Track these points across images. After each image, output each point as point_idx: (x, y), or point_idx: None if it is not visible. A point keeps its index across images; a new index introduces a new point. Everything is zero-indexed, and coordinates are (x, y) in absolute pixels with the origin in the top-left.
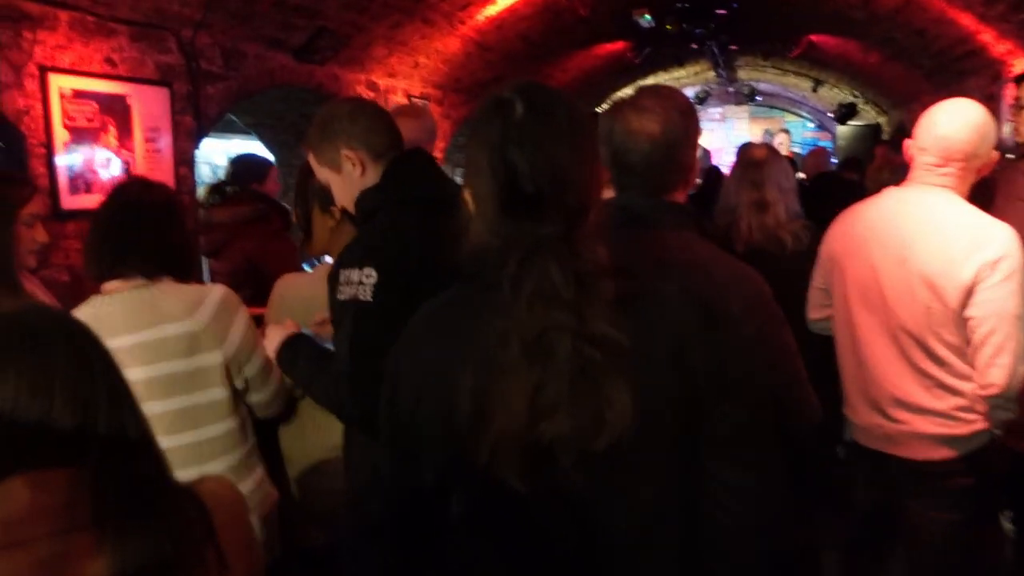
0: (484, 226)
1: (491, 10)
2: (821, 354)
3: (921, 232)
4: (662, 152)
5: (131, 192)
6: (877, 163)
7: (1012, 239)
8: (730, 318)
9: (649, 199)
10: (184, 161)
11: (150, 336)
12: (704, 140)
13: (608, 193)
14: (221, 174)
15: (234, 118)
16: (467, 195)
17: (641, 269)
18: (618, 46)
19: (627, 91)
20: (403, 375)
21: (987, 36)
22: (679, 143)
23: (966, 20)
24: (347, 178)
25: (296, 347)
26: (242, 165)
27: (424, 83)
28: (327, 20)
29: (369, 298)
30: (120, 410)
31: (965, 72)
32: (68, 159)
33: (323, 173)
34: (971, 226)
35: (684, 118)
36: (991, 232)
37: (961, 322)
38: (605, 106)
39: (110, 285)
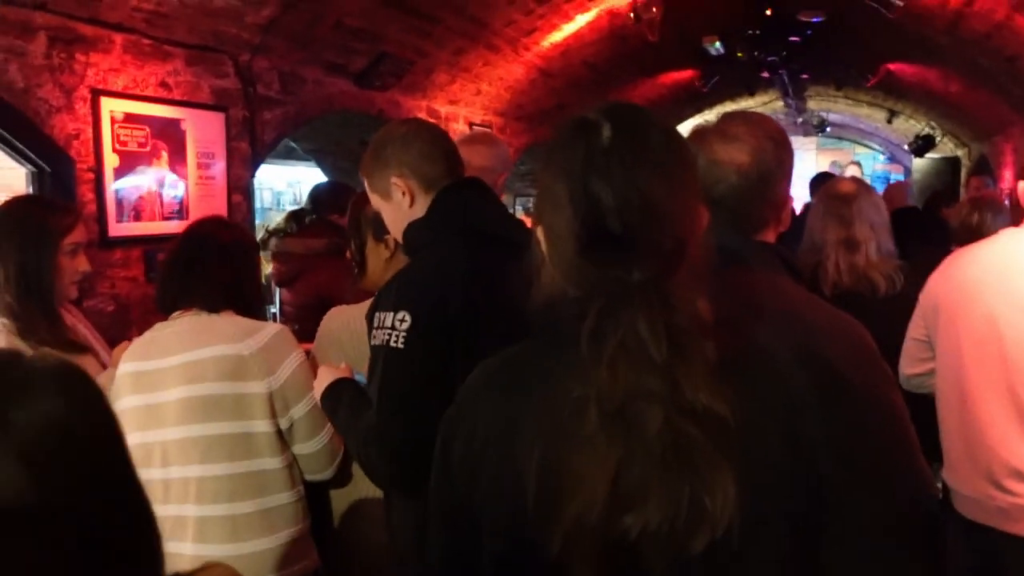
0: (560, 270)
1: (556, 36)
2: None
3: None
4: (752, 185)
5: (205, 229)
6: (970, 195)
7: None
8: (844, 380)
9: (737, 237)
10: (238, 188)
11: (198, 355)
12: None
13: None
14: (284, 201)
15: (294, 145)
16: (540, 233)
17: (740, 321)
18: (686, 74)
19: (697, 120)
20: (457, 446)
21: None
22: (771, 175)
23: None
24: (396, 208)
25: (340, 393)
26: (323, 193)
27: (486, 110)
28: (388, 45)
29: (401, 345)
30: (106, 490)
31: None
32: (117, 185)
33: (375, 200)
34: None
35: (777, 148)
36: None
37: None
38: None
39: (175, 315)
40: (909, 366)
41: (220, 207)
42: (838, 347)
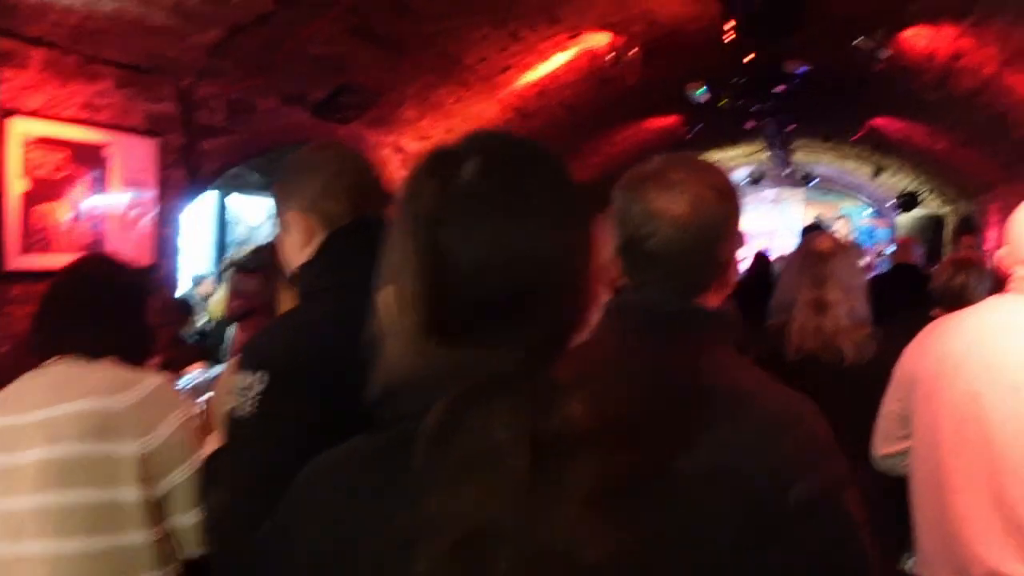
0: (401, 347)
1: (532, 75)
2: (886, 496)
3: None
4: (692, 239)
5: (87, 267)
6: (953, 257)
7: None
8: (791, 493)
9: (672, 300)
10: (170, 221)
11: (61, 410)
12: (756, 223)
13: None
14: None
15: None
16: (382, 298)
17: (657, 417)
18: (670, 120)
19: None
20: (273, 560)
21: None
22: (714, 230)
23: None
24: (293, 246)
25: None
26: None
27: None
28: (352, 76)
29: (253, 411)
30: None
31: None
32: (23, 213)
33: (279, 235)
34: None
35: (721, 199)
36: None
37: None
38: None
39: (48, 362)
40: (882, 445)
41: (147, 239)
42: (788, 442)
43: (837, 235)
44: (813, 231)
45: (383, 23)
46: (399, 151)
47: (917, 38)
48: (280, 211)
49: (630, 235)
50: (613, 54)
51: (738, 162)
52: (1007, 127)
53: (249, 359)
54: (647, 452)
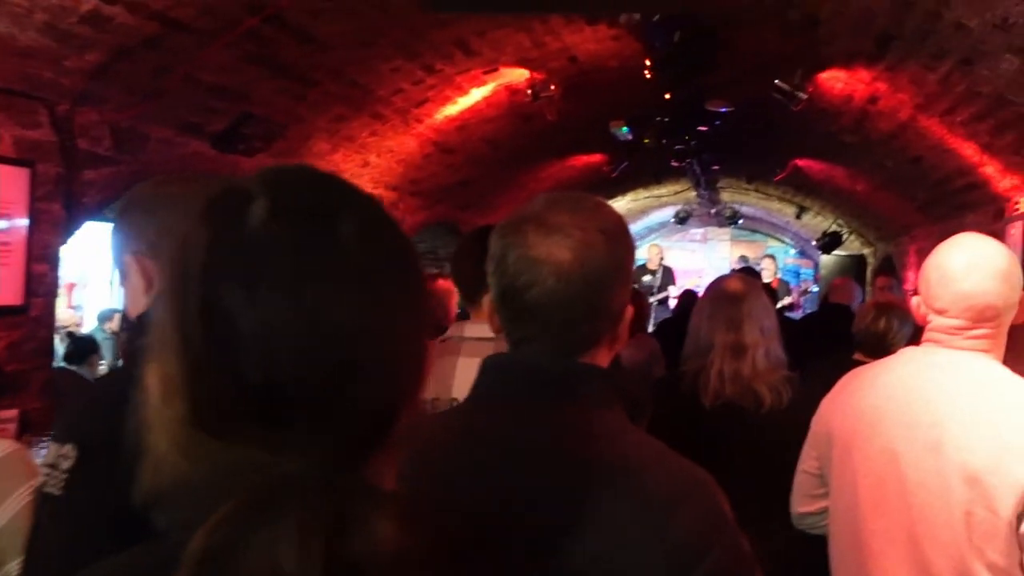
0: (167, 441)
1: (451, 109)
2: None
3: (962, 410)
4: (576, 290)
5: None
6: (876, 296)
7: None
8: None
9: (556, 357)
10: (44, 257)
11: None
12: (684, 261)
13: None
14: None
15: None
16: (148, 376)
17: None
18: (595, 158)
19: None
20: None
21: (991, 169)
22: (602, 279)
23: (969, 150)
24: (132, 293)
25: None
26: None
27: (375, 183)
28: (256, 106)
29: (58, 491)
30: None
31: (964, 206)
32: None
33: (119, 279)
34: None
35: (611, 244)
36: None
37: (1015, 539)
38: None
39: None
40: (801, 503)
41: (16, 277)
42: (685, 520)
43: (764, 273)
44: (741, 271)
45: (285, 52)
46: None
47: (834, 81)
48: (117, 253)
49: (508, 285)
50: (531, 91)
51: (665, 201)
52: (923, 170)
53: (60, 429)
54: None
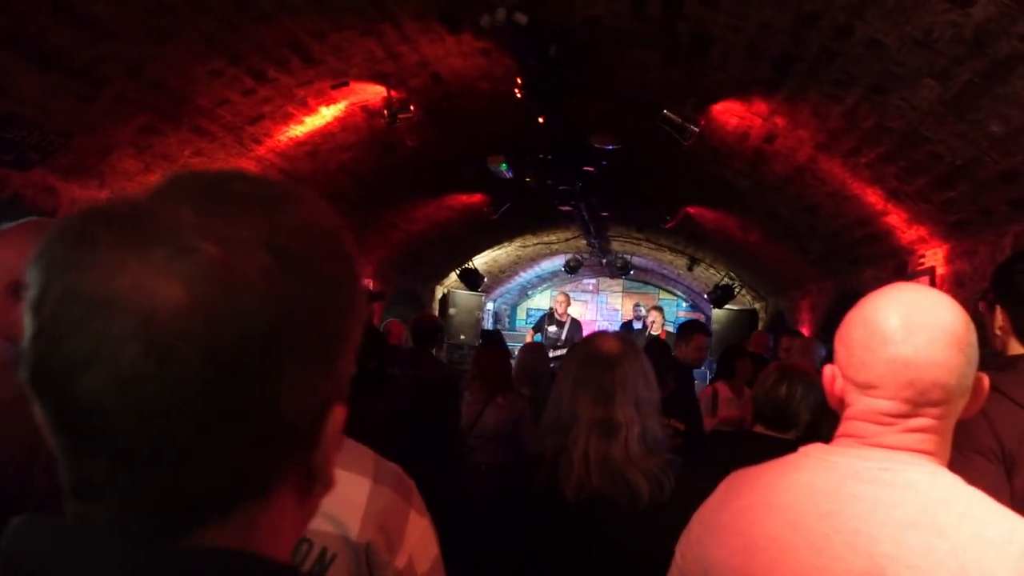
0: None
1: (297, 130)
2: None
3: (908, 548)
4: (195, 377)
5: None
6: (778, 364)
7: None
8: None
9: (141, 548)
10: None
11: None
12: (575, 313)
13: None
14: None
15: None
16: None
17: None
18: (475, 198)
19: (491, 254)
20: None
21: (895, 218)
22: (264, 351)
23: (873, 197)
24: None
25: None
26: None
27: None
28: (20, 105)
29: None
30: None
31: (862, 260)
32: None
33: None
34: (1005, 542)
35: (292, 277)
36: None
37: None
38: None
39: None
40: None
41: None
42: None
43: (653, 326)
44: (631, 324)
45: (54, 34)
46: None
47: (728, 114)
48: None
49: (39, 362)
50: (387, 112)
51: (556, 248)
52: (820, 219)
53: None
54: None
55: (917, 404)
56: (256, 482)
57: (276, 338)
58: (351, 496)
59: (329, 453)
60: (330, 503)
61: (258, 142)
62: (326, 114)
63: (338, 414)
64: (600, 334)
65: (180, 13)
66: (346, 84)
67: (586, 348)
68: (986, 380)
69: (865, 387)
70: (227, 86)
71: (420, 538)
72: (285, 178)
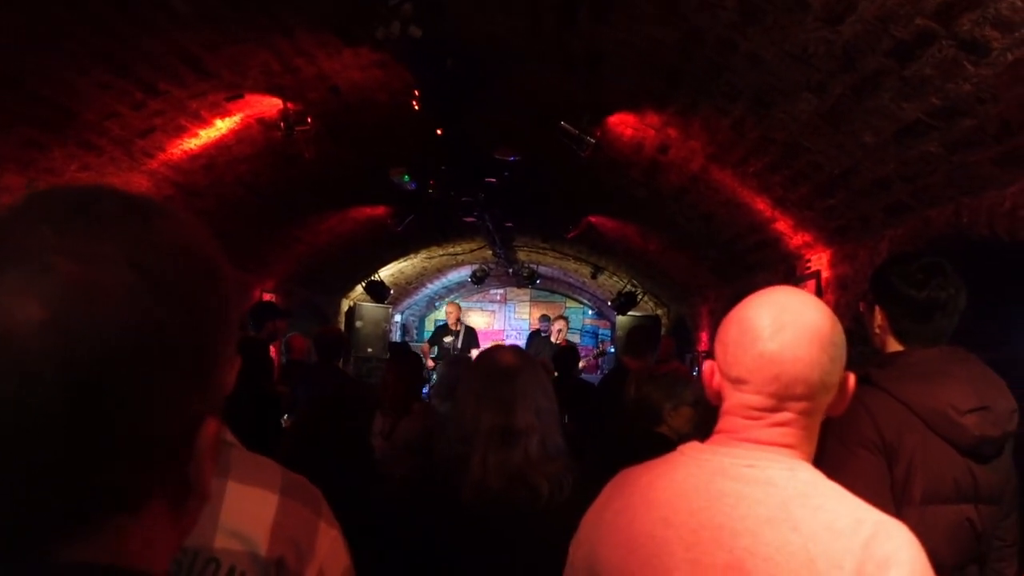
0: None
1: (191, 143)
2: None
3: (765, 541)
4: (47, 396)
5: None
6: (637, 371)
7: (917, 554)
8: None
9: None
10: None
11: None
12: (483, 322)
13: None
14: None
15: None
16: None
17: None
18: (378, 210)
19: (397, 266)
20: None
21: (783, 225)
22: (123, 369)
23: (761, 204)
24: None
25: None
26: None
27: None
28: None
29: None
30: None
31: (755, 266)
32: None
33: None
34: (852, 532)
35: (156, 295)
36: (884, 543)
37: None
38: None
39: None
40: None
41: None
42: None
43: (560, 335)
44: (538, 334)
45: None
46: None
47: (623, 126)
48: None
49: None
50: (283, 124)
51: (462, 260)
52: (715, 228)
53: None
54: None
55: (782, 398)
56: (123, 497)
57: (140, 355)
58: (258, 511)
59: (203, 466)
60: (237, 520)
61: (150, 156)
62: (221, 127)
63: (210, 427)
64: (498, 348)
65: (63, 23)
66: (241, 96)
67: (486, 362)
68: (852, 379)
69: (737, 382)
70: (116, 99)
71: (330, 548)
72: (181, 191)
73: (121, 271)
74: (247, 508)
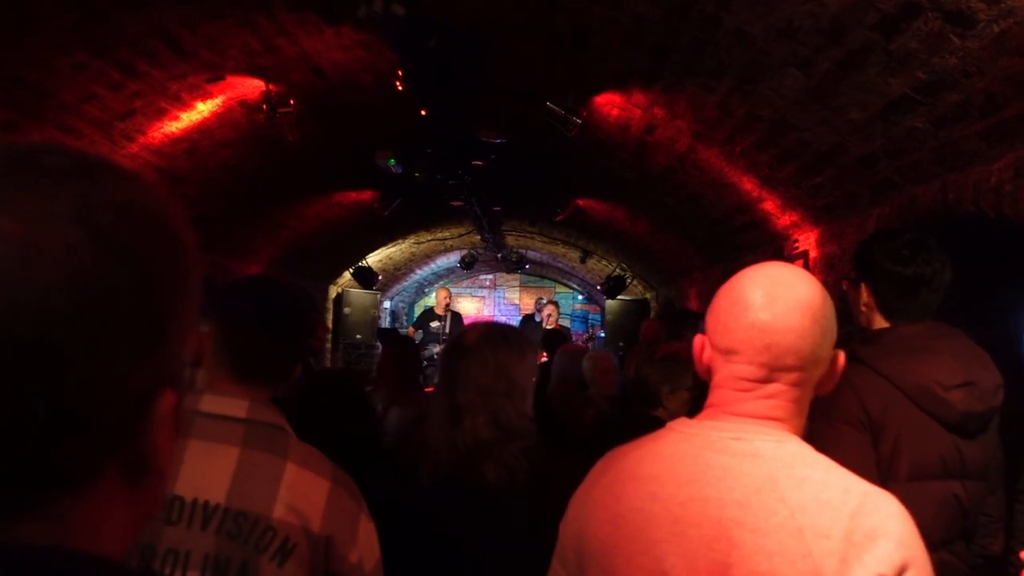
0: None
1: (172, 126)
2: None
3: (752, 512)
4: None
5: None
6: (637, 349)
7: (905, 525)
8: None
9: None
10: None
11: None
12: (473, 308)
13: None
14: None
15: None
16: None
17: None
18: (365, 195)
19: (385, 252)
20: None
21: (771, 204)
22: (69, 335)
23: (748, 184)
24: None
25: None
26: None
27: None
28: None
29: None
30: None
31: (742, 247)
32: None
33: None
34: (840, 503)
35: (108, 257)
36: (872, 513)
37: None
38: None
39: None
40: None
41: None
42: None
43: (548, 320)
44: (532, 318)
45: None
46: None
47: (609, 106)
48: None
49: None
50: (265, 106)
51: (451, 245)
52: (702, 209)
53: None
54: None
55: (773, 369)
56: (67, 474)
57: (84, 320)
58: (312, 493)
59: (159, 442)
60: (294, 497)
61: (130, 139)
62: (203, 109)
63: (167, 401)
64: (471, 326)
65: (37, 1)
66: (222, 78)
67: (451, 340)
68: (842, 357)
69: (727, 352)
70: (93, 80)
71: (367, 539)
72: (164, 176)
73: (65, 229)
74: (303, 489)
